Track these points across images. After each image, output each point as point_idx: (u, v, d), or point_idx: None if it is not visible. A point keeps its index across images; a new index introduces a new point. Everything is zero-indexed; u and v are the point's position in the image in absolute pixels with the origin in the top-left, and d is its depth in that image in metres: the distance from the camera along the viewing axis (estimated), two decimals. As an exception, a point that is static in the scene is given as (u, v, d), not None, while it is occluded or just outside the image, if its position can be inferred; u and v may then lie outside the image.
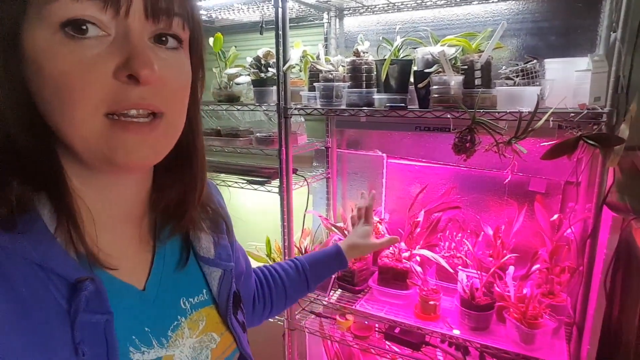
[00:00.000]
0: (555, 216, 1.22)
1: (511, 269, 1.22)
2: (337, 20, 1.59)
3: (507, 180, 1.13)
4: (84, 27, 0.36)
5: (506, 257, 1.24)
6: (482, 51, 1.15)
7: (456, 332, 1.21)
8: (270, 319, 1.70)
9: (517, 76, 1.13)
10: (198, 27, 0.46)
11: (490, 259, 1.29)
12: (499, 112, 1.07)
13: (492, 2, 1.33)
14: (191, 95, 0.47)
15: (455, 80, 1.11)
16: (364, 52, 1.32)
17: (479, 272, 1.25)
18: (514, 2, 1.31)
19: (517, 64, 1.15)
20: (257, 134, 1.56)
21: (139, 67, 0.37)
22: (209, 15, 1.64)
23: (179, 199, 0.53)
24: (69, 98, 0.36)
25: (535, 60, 1.14)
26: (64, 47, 0.36)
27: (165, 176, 0.51)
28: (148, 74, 0.37)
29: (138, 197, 0.51)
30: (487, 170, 1.40)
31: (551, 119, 1.00)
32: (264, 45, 1.54)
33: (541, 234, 1.27)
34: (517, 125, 1.02)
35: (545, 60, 1.14)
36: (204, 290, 0.57)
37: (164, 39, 0.41)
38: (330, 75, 1.31)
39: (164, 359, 0.48)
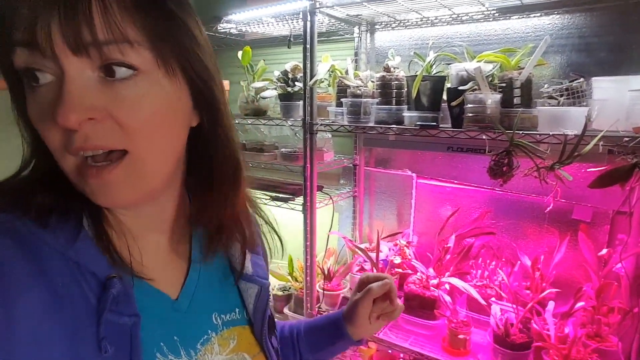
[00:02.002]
0: (604, 250, 1.11)
1: (551, 304, 1.11)
2: (368, 34, 1.54)
3: (548, 208, 1.04)
4: (36, 75, 0.37)
5: (546, 292, 1.13)
6: (522, 68, 1.07)
7: (488, 371, 1.11)
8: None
9: (562, 95, 1.05)
10: (169, 40, 0.39)
11: (528, 291, 1.19)
12: (540, 134, 0.99)
13: (534, 16, 1.25)
14: (202, 111, 0.46)
15: (492, 98, 1.03)
16: (394, 68, 1.26)
17: (514, 306, 1.14)
18: (558, 16, 1.22)
19: (561, 83, 1.07)
20: (282, 150, 1.53)
21: (57, 114, 0.35)
22: (238, 29, 1.64)
23: (213, 214, 0.52)
24: (44, 141, 0.39)
25: (582, 79, 1.05)
26: (29, 95, 0.38)
27: (200, 192, 0.51)
28: (68, 119, 0.35)
29: (163, 214, 0.51)
30: (525, 194, 1.30)
31: (601, 143, 0.91)
32: (293, 59, 1.52)
33: (586, 267, 1.16)
34: (562, 149, 0.94)
35: (593, 78, 1.05)
36: (237, 309, 0.56)
37: (113, 69, 0.37)
38: (358, 91, 1.26)
39: None
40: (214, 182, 0.50)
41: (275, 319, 0.68)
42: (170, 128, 0.42)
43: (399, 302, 0.72)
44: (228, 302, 0.56)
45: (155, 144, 0.40)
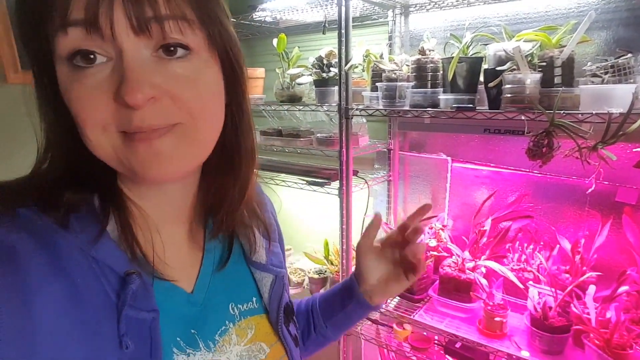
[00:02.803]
0: (650, 232, 1.07)
1: (592, 288, 1.09)
2: (403, 17, 1.53)
3: (590, 190, 1.01)
4: (92, 56, 0.36)
5: (586, 275, 1.11)
6: (564, 46, 1.04)
7: (525, 353, 1.11)
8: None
9: (606, 73, 1.01)
10: (214, 18, 0.41)
11: (567, 275, 1.17)
12: (582, 114, 0.96)
13: (578, -9, 1.20)
14: (230, 94, 0.46)
15: (531, 78, 1.01)
16: (429, 50, 1.25)
17: (552, 290, 1.13)
18: (604, -11, 1.17)
19: (607, 59, 1.03)
20: (318, 135, 1.55)
21: (125, 93, 0.36)
22: (273, 16, 1.66)
23: (221, 198, 0.52)
24: (82, 124, 0.38)
25: (629, 55, 1.00)
26: (73, 79, 0.37)
27: (210, 177, 0.51)
28: (136, 98, 0.36)
29: (185, 200, 0.51)
30: (565, 177, 1.27)
31: (648, 121, 0.88)
32: (327, 45, 1.53)
33: (630, 251, 1.13)
34: (606, 128, 0.91)
35: (642, 54, 1.01)
36: (254, 299, 0.56)
37: (172, 49, 0.38)
38: (393, 75, 1.26)
39: None
40: (234, 163, 0.50)
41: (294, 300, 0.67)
42: (217, 103, 0.44)
43: (416, 252, 0.67)
44: (245, 291, 0.56)
45: (207, 117, 0.42)
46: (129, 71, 0.36)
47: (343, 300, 0.71)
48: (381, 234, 0.74)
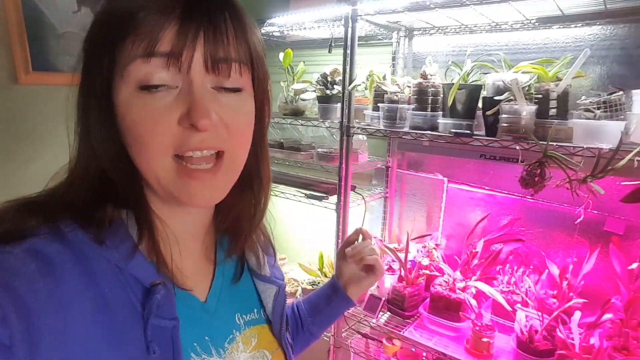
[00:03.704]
0: (635, 264, 1.11)
1: (577, 314, 1.13)
2: (407, 40, 1.58)
3: (579, 220, 1.05)
4: (154, 82, 0.41)
5: (573, 301, 1.14)
6: (560, 79, 1.09)
7: (510, 374, 1.14)
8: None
9: (599, 108, 1.05)
10: (261, 65, 0.48)
11: (554, 300, 1.20)
12: (574, 147, 1.00)
13: (575, 26, 1.25)
14: (257, 125, 0.51)
15: (527, 110, 1.05)
16: (431, 75, 1.29)
17: (539, 314, 1.16)
18: (600, 27, 1.22)
19: (599, 95, 1.07)
20: (319, 150, 1.59)
21: (197, 118, 0.41)
22: (281, 31, 1.71)
23: (239, 221, 0.57)
24: (141, 143, 0.42)
25: (621, 92, 1.05)
26: (139, 100, 0.41)
27: (230, 199, 0.54)
28: (205, 123, 0.42)
29: (204, 219, 0.55)
30: (556, 204, 1.31)
31: (637, 158, 0.92)
32: (332, 61, 1.57)
33: (615, 279, 1.16)
34: (596, 162, 0.95)
35: (634, 91, 1.05)
36: (256, 310, 0.61)
37: (225, 84, 0.44)
38: (395, 97, 1.31)
39: None
40: (253, 189, 0.56)
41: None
42: (251, 133, 0.49)
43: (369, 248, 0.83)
44: (248, 303, 0.60)
45: (244, 145, 0.48)
46: (199, 101, 0.42)
47: (328, 297, 0.82)
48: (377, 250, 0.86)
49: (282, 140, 1.73)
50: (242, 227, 0.57)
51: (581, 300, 1.15)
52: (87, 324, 0.40)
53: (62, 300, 0.39)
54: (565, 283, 1.21)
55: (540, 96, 1.09)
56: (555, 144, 1.02)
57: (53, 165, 0.47)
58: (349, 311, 1.48)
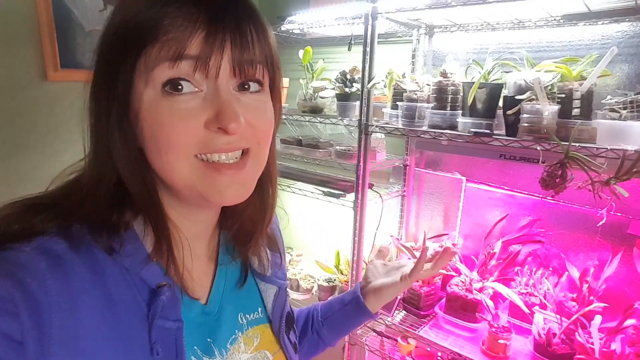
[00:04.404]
0: (658, 268, 1.08)
1: (598, 318, 1.10)
2: (427, 37, 1.56)
3: (601, 223, 1.03)
4: (180, 86, 0.41)
5: (593, 305, 1.12)
6: (584, 78, 1.06)
7: (526, 377, 1.13)
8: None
9: (625, 108, 1.03)
10: (277, 66, 0.49)
11: (574, 303, 1.18)
12: (597, 148, 0.98)
13: (603, 23, 1.21)
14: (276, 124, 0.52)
15: (549, 110, 1.03)
16: (451, 74, 1.28)
17: (558, 317, 1.15)
18: (629, 23, 1.18)
19: (626, 94, 1.04)
20: (337, 147, 1.59)
21: (227, 121, 0.42)
22: (300, 29, 1.71)
23: (250, 223, 0.57)
24: (166, 144, 0.42)
25: (648, 92, 1.02)
26: (164, 103, 0.42)
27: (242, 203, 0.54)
28: (235, 126, 0.42)
29: (213, 220, 0.56)
30: (578, 205, 1.28)
31: (662, 160, 0.89)
32: (352, 59, 1.57)
33: (639, 284, 1.13)
34: (620, 164, 0.93)
35: (662, 92, 1.02)
36: (259, 308, 0.61)
37: (246, 85, 0.45)
38: (414, 96, 1.30)
39: None
40: (264, 191, 0.56)
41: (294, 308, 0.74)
42: (271, 130, 0.50)
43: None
44: (251, 302, 0.60)
45: (267, 142, 0.49)
46: (227, 104, 0.42)
47: (343, 299, 0.80)
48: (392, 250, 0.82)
49: (300, 137, 1.74)
50: (254, 228, 0.57)
51: (602, 305, 1.12)
52: (94, 321, 0.40)
53: (72, 297, 0.39)
54: (585, 286, 1.19)
55: (563, 96, 1.06)
56: (577, 144, 1.00)
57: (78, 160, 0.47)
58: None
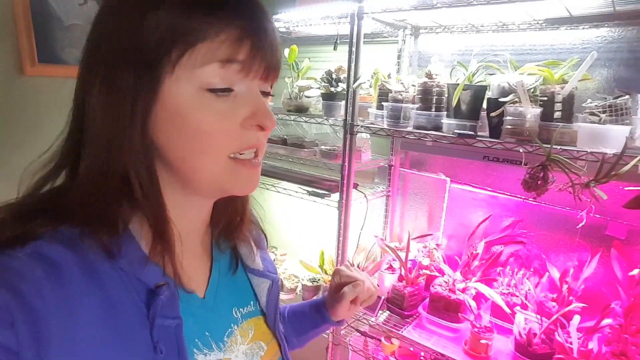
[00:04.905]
0: (637, 270, 1.11)
1: (576, 318, 1.12)
2: (413, 38, 1.57)
3: (580, 225, 1.04)
4: (225, 88, 0.44)
5: (572, 306, 1.14)
6: (566, 82, 1.08)
7: (507, 376, 1.14)
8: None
9: (604, 112, 1.04)
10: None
11: (554, 304, 1.20)
12: (578, 151, 0.99)
13: (583, 28, 1.24)
14: None
15: (532, 112, 1.05)
16: (436, 75, 1.29)
17: (538, 317, 1.16)
18: (608, 29, 1.20)
19: (605, 98, 1.06)
20: (322, 147, 1.58)
21: (266, 119, 0.46)
22: (286, 27, 1.70)
23: (234, 215, 0.59)
24: (202, 143, 0.44)
25: (627, 96, 1.04)
26: (204, 102, 0.43)
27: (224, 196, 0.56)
28: (271, 123, 0.47)
29: (207, 215, 0.57)
30: (559, 207, 1.30)
31: (640, 164, 0.91)
32: (337, 58, 1.56)
33: (615, 285, 1.16)
34: (599, 167, 0.94)
35: (640, 95, 1.04)
36: (252, 302, 0.62)
37: (266, 90, 0.49)
38: (399, 96, 1.30)
39: None
40: None
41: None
42: None
43: (371, 287, 0.80)
44: (244, 296, 0.61)
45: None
46: (263, 103, 0.47)
47: (316, 323, 0.81)
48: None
49: (285, 136, 1.73)
50: (238, 218, 0.60)
51: (581, 305, 1.15)
52: (94, 326, 0.40)
53: (69, 303, 0.39)
54: (565, 287, 1.21)
55: (545, 99, 1.08)
56: (559, 147, 1.01)
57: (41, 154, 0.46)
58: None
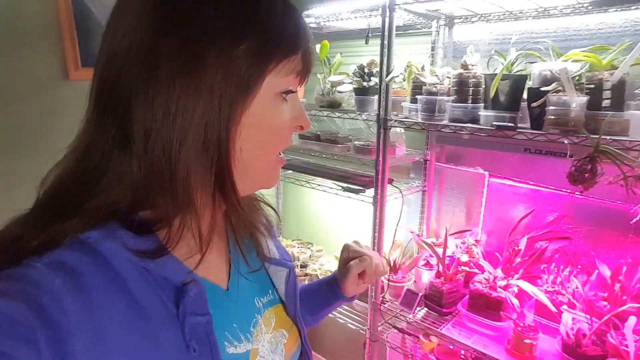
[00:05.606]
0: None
1: (632, 319, 1.05)
2: (447, 28, 1.52)
3: (635, 220, 0.98)
4: (289, 94, 0.49)
5: (627, 306, 1.07)
6: (616, 67, 1.01)
7: (554, 378, 1.09)
8: (352, 326, 1.72)
9: (660, 98, 0.97)
10: None
11: (605, 303, 1.14)
12: (630, 141, 0.93)
13: (637, 8, 1.15)
14: None
15: (577, 101, 0.99)
16: (472, 65, 1.24)
17: (588, 317, 1.10)
18: (664, 7, 1.12)
19: (661, 83, 0.99)
20: (356, 143, 1.57)
21: (306, 120, 0.52)
22: (317, 22, 1.69)
23: (244, 207, 0.59)
24: (270, 143, 0.49)
25: (685, 81, 0.96)
26: (275, 106, 0.48)
27: None
28: (308, 124, 0.52)
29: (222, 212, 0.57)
30: (608, 201, 1.23)
31: (700, 153, 0.84)
32: (369, 52, 1.54)
33: (674, 283, 1.08)
34: (654, 158, 0.88)
35: (700, 80, 0.96)
36: (270, 291, 0.63)
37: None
38: (434, 89, 1.26)
39: (251, 352, 0.53)
40: None
41: None
42: None
43: (380, 265, 0.80)
44: (263, 285, 0.62)
45: None
46: (301, 106, 0.51)
47: (329, 300, 0.82)
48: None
49: (318, 132, 1.73)
50: (247, 210, 0.60)
51: (637, 305, 1.07)
52: (122, 332, 0.39)
53: (93, 312, 0.37)
54: (617, 285, 1.14)
55: (592, 86, 1.01)
56: (608, 137, 0.95)
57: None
58: (384, 305, 1.47)
